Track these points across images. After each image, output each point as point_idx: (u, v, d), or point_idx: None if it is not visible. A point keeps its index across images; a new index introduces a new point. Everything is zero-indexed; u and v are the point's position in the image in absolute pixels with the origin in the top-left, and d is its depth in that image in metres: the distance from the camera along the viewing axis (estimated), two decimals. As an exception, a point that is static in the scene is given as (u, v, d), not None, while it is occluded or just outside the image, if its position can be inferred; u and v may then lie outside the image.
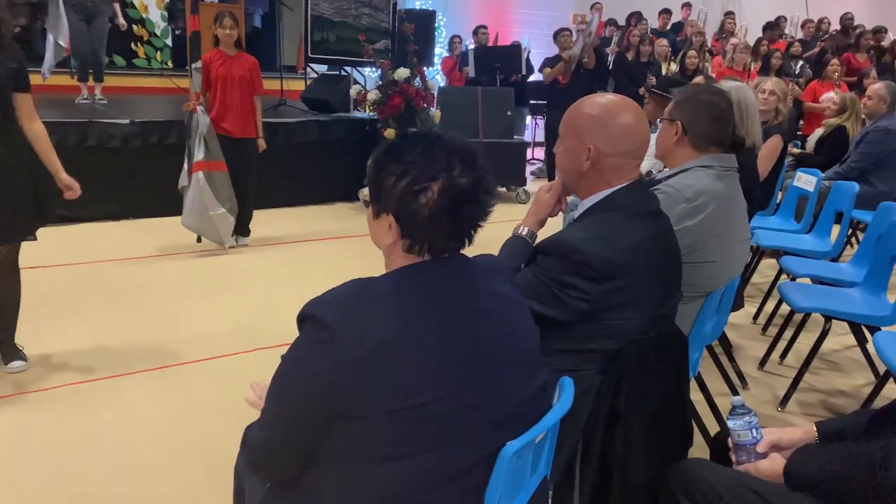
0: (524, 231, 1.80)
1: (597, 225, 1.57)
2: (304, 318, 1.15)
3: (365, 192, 1.22)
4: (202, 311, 3.89)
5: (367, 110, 6.63)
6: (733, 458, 1.54)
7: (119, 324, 3.63)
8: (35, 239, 2.99)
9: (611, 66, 8.57)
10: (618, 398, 1.58)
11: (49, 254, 4.10)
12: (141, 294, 4.09)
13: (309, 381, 1.12)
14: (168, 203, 5.41)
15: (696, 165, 2.11)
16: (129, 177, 5.63)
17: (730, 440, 1.55)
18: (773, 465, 1.46)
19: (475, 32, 8.62)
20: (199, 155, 4.57)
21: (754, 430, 1.51)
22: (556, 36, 7.82)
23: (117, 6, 7.34)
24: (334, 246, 5.37)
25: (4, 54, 2.74)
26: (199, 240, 4.92)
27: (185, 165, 4.66)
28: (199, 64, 5.11)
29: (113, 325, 3.61)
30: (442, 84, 8.45)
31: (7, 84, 2.74)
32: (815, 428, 1.56)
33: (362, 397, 1.08)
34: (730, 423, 1.53)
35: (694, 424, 2.07)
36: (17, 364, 3.03)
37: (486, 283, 1.24)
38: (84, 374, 3.07)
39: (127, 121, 5.72)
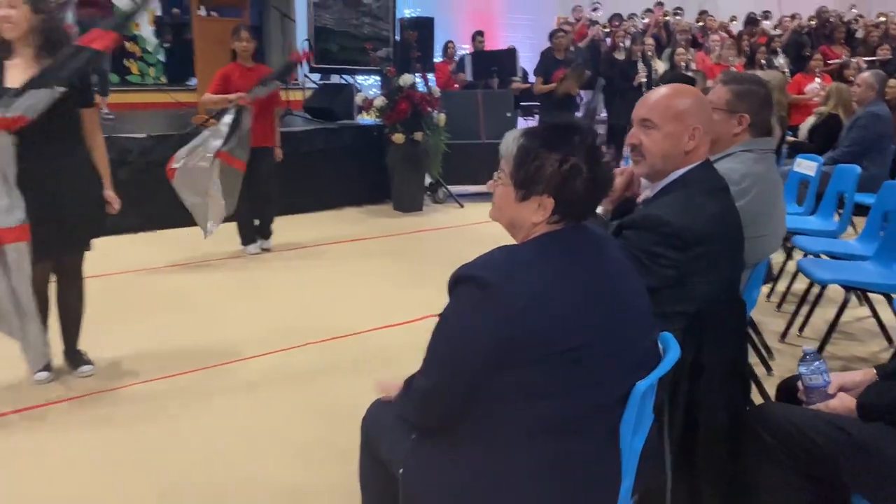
0: (599, 210, 2.00)
1: (680, 200, 1.78)
2: (459, 280, 1.33)
3: (497, 184, 1.39)
4: (243, 312, 4.04)
5: (374, 116, 6.81)
6: (804, 399, 1.74)
7: (167, 328, 3.77)
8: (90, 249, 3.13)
9: (600, 67, 8.86)
10: (699, 353, 1.78)
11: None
12: (181, 300, 4.24)
13: (472, 333, 1.30)
14: (188, 214, 5.56)
15: (738, 150, 2.32)
16: (148, 189, 5.74)
17: (800, 384, 1.75)
18: (843, 402, 1.67)
19: (473, 39, 8.83)
20: (227, 146, 4.63)
21: (824, 375, 1.72)
22: (551, 37, 8.05)
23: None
24: (351, 248, 5.53)
25: (51, 74, 2.87)
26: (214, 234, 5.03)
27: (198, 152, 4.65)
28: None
29: (161, 329, 3.75)
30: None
31: (76, 101, 2.88)
32: (874, 370, 1.77)
33: (521, 345, 1.27)
34: (802, 369, 1.74)
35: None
36: (86, 368, 3.17)
37: (606, 248, 1.44)
38: (146, 375, 3.21)
39: (144, 135, 5.85)
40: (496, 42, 10.61)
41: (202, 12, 6.95)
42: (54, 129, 2.80)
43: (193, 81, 8.34)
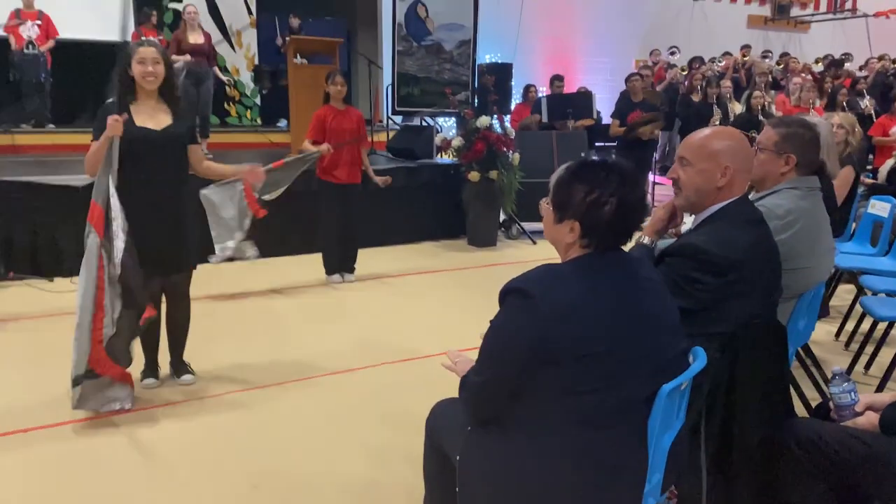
0: (646, 240, 2.21)
1: (716, 230, 1.98)
2: (508, 292, 1.58)
3: (544, 205, 1.63)
4: (329, 333, 4.40)
5: (451, 156, 7.17)
6: (835, 416, 1.88)
7: (260, 345, 4.15)
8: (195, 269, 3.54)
9: (677, 108, 8.98)
10: (734, 371, 1.95)
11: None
12: (272, 321, 4.64)
13: (515, 335, 1.54)
14: (285, 245, 6.08)
15: (784, 188, 2.49)
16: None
17: (831, 403, 1.89)
18: (869, 419, 1.80)
19: (551, 83, 9.12)
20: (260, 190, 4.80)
21: (853, 394, 1.86)
22: (627, 80, 8.25)
23: (217, 70, 8.18)
24: (428, 279, 5.84)
25: (182, 118, 3.33)
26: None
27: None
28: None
29: (255, 345, 4.13)
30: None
31: (186, 141, 3.32)
32: (902, 392, 1.89)
33: (555, 347, 1.50)
34: (832, 389, 1.88)
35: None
36: (187, 377, 3.56)
37: (640, 268, 1.66)
38: (242, 384, 3.57)
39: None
40: (575, 85, 10.87)
41: (297, 60, 7.54)
42: (170, 161, 3.25)
43: (284, 123, 8.97)
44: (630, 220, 1.59)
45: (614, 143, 8.72)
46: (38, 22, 7.71)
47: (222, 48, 9.79)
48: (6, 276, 5.27)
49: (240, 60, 10.39)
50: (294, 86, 7.55)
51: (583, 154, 7.69)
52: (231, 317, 4.69)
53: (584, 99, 8.72)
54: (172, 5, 9.95)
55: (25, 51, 7.65)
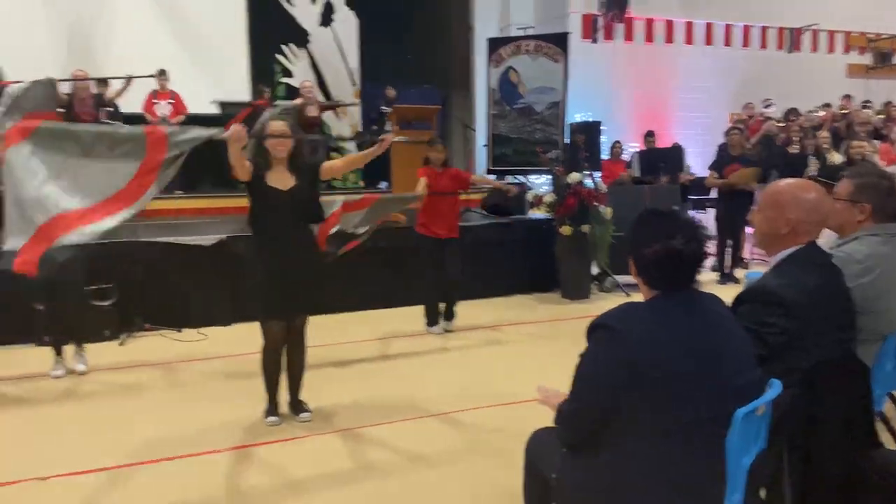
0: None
1: (785, 274, 2.15)
2: (594, 328, 1.81)
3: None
4: (432, 378, 4.72)
5: (544, 211, 7.43)
6: None
7: (368, 387, 4.48)
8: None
9: (773, 160, 8.90)
10: (813, 407, 2.07)
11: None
12: (377, 365, 5.01)
13: (601, 364, 1.76)
14: (386, 297, 6.53)
15: (864, 234, 2.60)
16: (350, 276, 6.67)
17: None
18: None
19: (644, 138, 9.30)
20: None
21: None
22: (726, 134, 8.31)
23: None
24: (523, 330, 6.05)
25: (304, 178, 3.77)
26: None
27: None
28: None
29: (363, 388, 4.48)
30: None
31: (309, 197, 3.76)
32: None
33: (635, 373, 1.70)
34: None
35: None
36: (304, 415, 3.91)
37: (713, 305, 1.86)
38: (353, 422, 3.90)
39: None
40: (667, 139, 10.97)
41: (397, 126, 8.09)
42: (296, 216, 3.73)
43: (385, 184, 9.53)
44: (681, 266, 1.78)
45: (710, 196, 8.74)
46: (171, 101, 8.65)
47: (327, 116, 10.57)
48: (142, 328, 5.88)
49: (344, 128, 11.15)
50: (395, 149, 8.08)
51: (675, 208, 7.77)
52: (338, 361, 5.05)
53: (675, 153, 8.83)
54: (284, 80, 10.88)
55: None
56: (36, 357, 5.04)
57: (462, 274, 5.90)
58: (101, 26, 9.72)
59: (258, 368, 3.86)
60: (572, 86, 9.24)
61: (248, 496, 3.11)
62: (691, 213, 10.42)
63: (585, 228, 7.00)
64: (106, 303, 5.64)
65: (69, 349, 4.88)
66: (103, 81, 8.11)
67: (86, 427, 3.90)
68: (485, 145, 8.04)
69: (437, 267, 5.72)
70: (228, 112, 8.52)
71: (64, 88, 7.28)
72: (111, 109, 7.95)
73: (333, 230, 4.95)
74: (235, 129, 3.41)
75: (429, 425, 3.87)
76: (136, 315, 5.88)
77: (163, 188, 3.57)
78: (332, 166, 3.93)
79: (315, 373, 4.29)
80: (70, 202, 3.32)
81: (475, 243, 7.31)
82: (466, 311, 6.30)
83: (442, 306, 5.93)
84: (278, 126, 3.68)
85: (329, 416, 3.98)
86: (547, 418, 2.04)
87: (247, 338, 3.90)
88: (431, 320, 5.90)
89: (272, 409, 3.90)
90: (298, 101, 8.61)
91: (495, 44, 8.52)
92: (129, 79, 7.81)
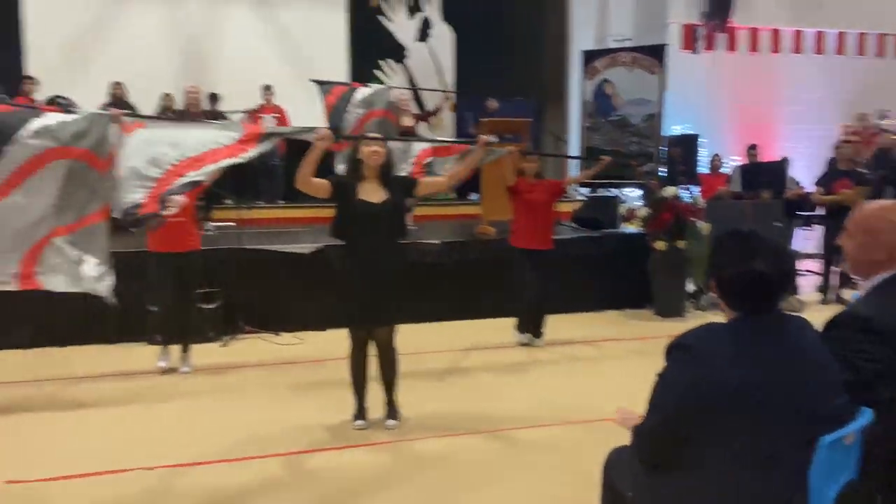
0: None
1: (879, 298, 2.04)
2: (672, 347, 1.80)
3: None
4: (516, 391, 4.75)
5: (637, 225, 7.30)
6: None
7: (455, 397, 4.57)
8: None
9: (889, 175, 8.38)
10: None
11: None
12: (465, 375, 5.08)
13: (677, 384, 1.75)
14: (472, 308, 6.56)
15: None
16: (440, 287, 6.79)
17: None
18: None
19: (747, 151, 8.96)
20: None
21: None
22: (836, 147, 7.92)
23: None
24: (612, 346, 5.97)
25: (395, 193, 3.89)
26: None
27: None
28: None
29: (450, 397, 4.57)
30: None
31: (399, 210, 3.88)
32: None
33: (715, 395, 1.68)
34: None
35: None
36: (390, 422, 4.04)
37: (799, 329, 1.81)
38: (438, 431, 3.98)
39: (437, 241, 6.99)
40: (771, 153, 10.51)
41: (493, 138, 8.13)
42: (386, 228, 3.85)
43: (475, 196, 9.61)
44: (762, 289, 1.74)
45: (818, 213, 8.31)
46: (276, 115, 9.08)
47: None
48: (243, 330, 6.19)
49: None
50: (485, 164, 8.13)
51: (778, 224, 7.45)
52: (424, 371, 5.13)
53: (779, 168, 8.46)
54: (380, 94, 11.14)
55: (262, 141, 9.01)
56: (147, 355, 5.40)
57: (550, 287, 5.88)
58: (212, 45, 10.36)
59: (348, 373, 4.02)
60: (670, 97, 9.04)
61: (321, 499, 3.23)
62: (796, 230, 9.95)
63: (681, 244, 6.82)
64: (211, 305, 5.99)
65: (175, 350, 5.21)
66: (213, 96, 8.64)
67: (187, 423, 4.16)
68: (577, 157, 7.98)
69: (528, 278, 5.73)
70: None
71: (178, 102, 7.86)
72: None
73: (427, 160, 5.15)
74: (324, 131, 3.61)
75: (505, 439, 3.89)
76: (238, 318, 6.20)
77: (264, 152, 4.07)
78: (433, 182, 4.04)
79: (406, 380, 4.40)
80: (180, 156, 3.72)
81: (566, 257, 7.23)
82: (555, 325, 6.27)
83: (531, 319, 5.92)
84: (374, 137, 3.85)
85: (412, 425, 4.07)
86: (627, 437, 2.03)
87: (341, 343, 4.06)
88: (522, 328, 5.92)
89: (359, 413, 4.03)
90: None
91: (590, 56, 8.47)
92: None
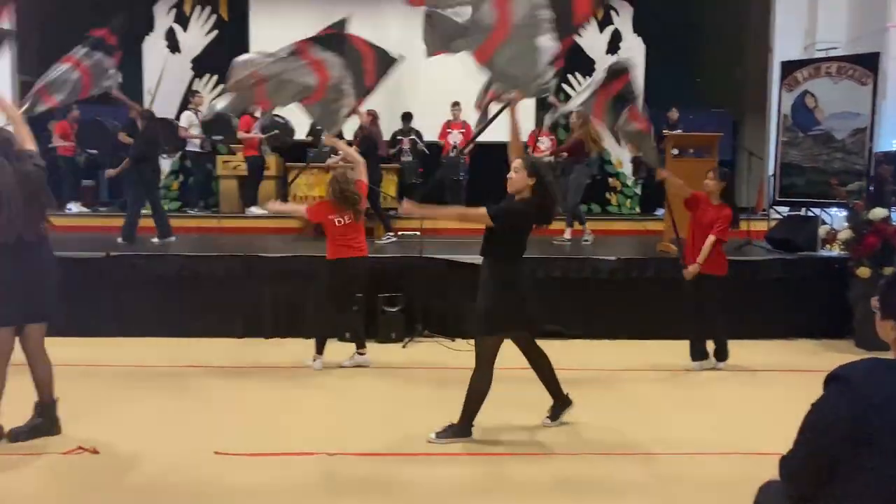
0: None
1: None
2: (830, 378, 1.74)
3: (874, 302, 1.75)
4: (683, 416, 4.63)
5: (837, 249, 6.71)
6: None
7: (615, 415, 4.55)
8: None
9: None
10: None
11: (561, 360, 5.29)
12: (626, 394, 5.04)
13: (832, 417, 1.69)
14: (652, 327, 6.47)
15: None
16: (615, 303, 6.72)
17: None
18: None
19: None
20: None
21: None
22: None
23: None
24: (795, 377, 5.48)
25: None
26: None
27: None
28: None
29: (610, 414, 4.56)
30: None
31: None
32: None
33: (871, 430, 1.60)
34: None
35: None
36: (547, 421, 4.32)
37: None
38: (591, 447, 4.06)
39: (613, 257, 6.91)
40: None
41: (674, 152, 7.92)
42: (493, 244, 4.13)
43: (661, 211, 9.34)
44: None
45: None
46: (462, 130, 9.50)
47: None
48: (422, 333, 6.57)
49: (623, 153, 11.13)
50: (672, 177, 7.88)
51: None
52: (589, 387, 5.09)
53: None
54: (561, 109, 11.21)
55: (450, 154, 9.46)
56: (340, 350, 5.84)
57: (718, 312, 5.57)
58: (408, 67, 11.00)
59: (515, 381, 4.24)
60: (887, 110, 8.19)
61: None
62: None
63: (888, 271, 6.17)
64: (394, 309, 6.43)
65: (350, 348, 5.70)
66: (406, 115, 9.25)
67: (367, 416, 4.54)
68: (771, 175, 7.48)
69: (691, 300, 5.53)
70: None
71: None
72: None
73: None
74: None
75: (662, 462, 3.85)
76: (419, 322, 6.59)
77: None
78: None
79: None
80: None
81: (756, 279, 6.85)
82: (739, 350, 5.95)
83: (710, 343, 5.68)
84: (515, 162, 4.00)
85: (560, 439, 4.15)
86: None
87: (512, 353, 4.24)
88: (693, 355, 5.69)
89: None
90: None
91: (790, 67, 7.92)
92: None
